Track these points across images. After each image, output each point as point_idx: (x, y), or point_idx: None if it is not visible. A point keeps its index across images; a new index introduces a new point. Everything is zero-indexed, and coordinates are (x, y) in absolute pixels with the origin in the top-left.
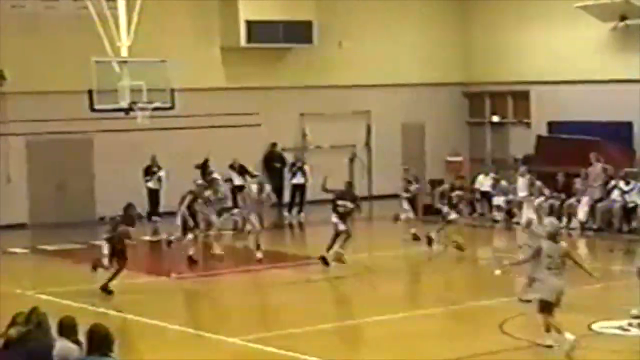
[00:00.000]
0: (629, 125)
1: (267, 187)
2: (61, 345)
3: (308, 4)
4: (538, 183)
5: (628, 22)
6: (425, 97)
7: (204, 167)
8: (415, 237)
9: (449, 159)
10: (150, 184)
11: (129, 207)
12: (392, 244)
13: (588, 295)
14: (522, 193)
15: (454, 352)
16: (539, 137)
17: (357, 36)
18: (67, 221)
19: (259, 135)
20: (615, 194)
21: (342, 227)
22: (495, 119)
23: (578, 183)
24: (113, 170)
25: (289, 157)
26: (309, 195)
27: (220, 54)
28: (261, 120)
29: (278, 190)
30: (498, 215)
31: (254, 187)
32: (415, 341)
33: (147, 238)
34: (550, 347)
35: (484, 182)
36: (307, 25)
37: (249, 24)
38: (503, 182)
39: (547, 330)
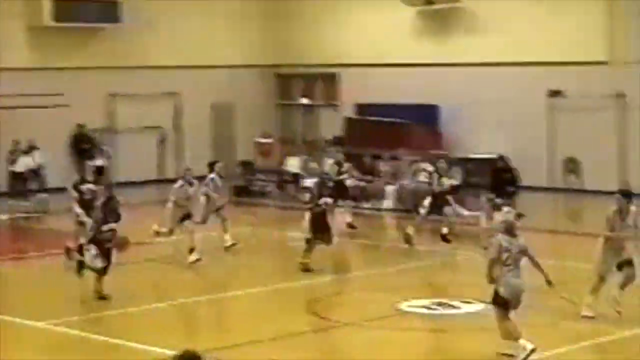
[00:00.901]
0: (435, 108)
1: (196, 182)
2: None
3: None
4: (346, 164)
5: (435, 6)
6: (236, 78)
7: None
8: (352, 226)
9: (259, 140)
10: None
11: (110, 199)
12: (214, 225)
13: (395, 275)
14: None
15: (262, 333)
16: (348, 119)
17: (168, 16)
18: None
19: (66, 116)
20: (422, 177)
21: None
22: (305, 101)
23: (383, 165)
24: None
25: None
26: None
27: (25, 33)
28: (69, 101)
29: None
30: (307, 197)
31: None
32: (226, 322)
33: None
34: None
35: (294, 164)
36: (116, 5)
37: (56, 2)
38: (313, 164)
39: (516, 338)
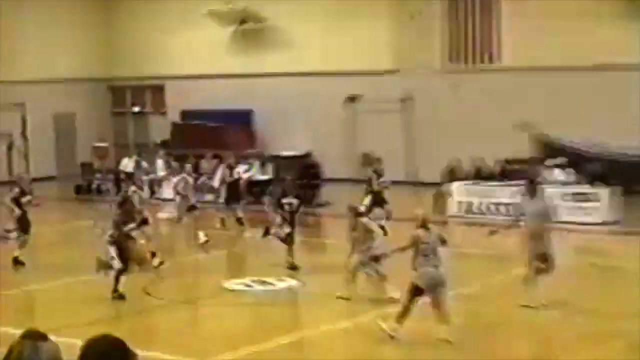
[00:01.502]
0: (250, 113)
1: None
2: None
3: None
4: (174, 164)
5: (246, 26)
6: (76, 90)
7: None
8: (240, 222)
9: (96, 144)
10: None
11: (125, 201)
12: (51, 220)
13: (218, 258)
14: (161, 172)
15: (102, 314)
16: (174, 124)
17: (12, 33)
18: None
19: None
20: (237, 173)
21: (286, 229)
22: (136, 109)
23: (204, 163)
24: None
25: None
26: None
27: None
28: None
29: None
30: (141, 192)
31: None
32: (72, 306)
33: None
34: (392, 337)
35: (127, 164)
36: None
37: None
38: (144, 164)
39: (400, 319)
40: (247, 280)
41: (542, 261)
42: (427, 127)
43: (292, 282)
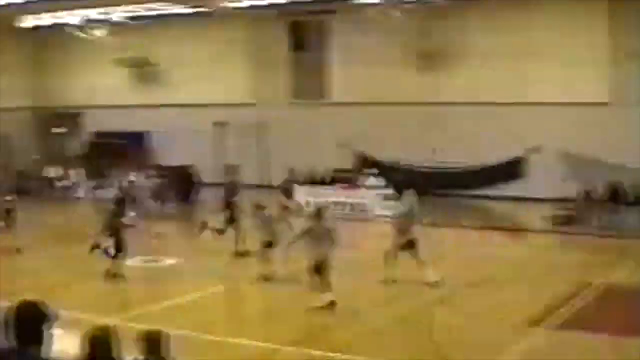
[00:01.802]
0: (147, 134)
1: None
2: None
3: None
4: (81, 170)
5: (144, 69)
6: (13, 117)
7: None
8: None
9: (33, 157)
10: None
11: (120, 201)
12: None
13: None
14: (78, 178)
15: (49, 282)
16: (89, 142)
17: None
18: None
19: None
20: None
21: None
22: (59, 130)
23: (113, 174)
24: None
25: None
26: None
27: None
28: None
29: None
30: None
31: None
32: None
33: None
34: (332, 304)
35: (50, 171)
36: None
37: None
38: (66, 171)
39: (322, 290)
40: (141, 258)
41: (408, 248)
42: (276, 145)
43: (174, 260)
